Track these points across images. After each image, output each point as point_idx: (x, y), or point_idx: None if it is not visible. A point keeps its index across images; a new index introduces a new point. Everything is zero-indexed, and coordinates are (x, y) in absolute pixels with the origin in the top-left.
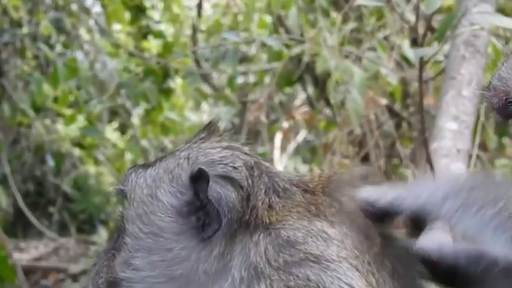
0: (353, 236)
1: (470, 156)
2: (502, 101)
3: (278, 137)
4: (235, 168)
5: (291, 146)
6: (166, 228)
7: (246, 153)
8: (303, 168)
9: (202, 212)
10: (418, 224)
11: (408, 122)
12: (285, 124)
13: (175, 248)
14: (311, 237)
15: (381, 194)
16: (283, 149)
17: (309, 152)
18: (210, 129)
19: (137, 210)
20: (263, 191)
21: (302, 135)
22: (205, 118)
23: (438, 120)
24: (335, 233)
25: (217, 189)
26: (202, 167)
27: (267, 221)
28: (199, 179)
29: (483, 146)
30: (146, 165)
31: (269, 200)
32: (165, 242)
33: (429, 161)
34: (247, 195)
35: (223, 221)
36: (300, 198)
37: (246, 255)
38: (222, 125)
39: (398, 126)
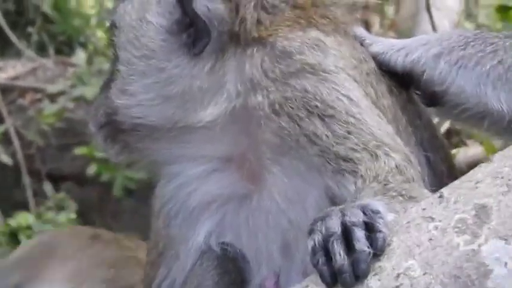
0: (348, 45)
1: None
2: None
3: None
4: None
5: None
6: (158, 49)
7: None
8: None
9: (193, 29)
10: (410, 80)
11: None
12: None
13: (168, 67)
14: (307, 47)
15: (373, 40)
16: None
17: None
18: None
19: (128, 35)
20: (251, 4)
21: None
22: None
23: None
24: (331, 41)
25: (203, 3)
26: None
27: (256, 35)
28: None
29: None
30: None
31: (257, 15)
32: (158, 63)
33: None
34: (236, 6)
35: (212, 34)
36: (289, 14)
37: (240, 68)
38: None
39: None
